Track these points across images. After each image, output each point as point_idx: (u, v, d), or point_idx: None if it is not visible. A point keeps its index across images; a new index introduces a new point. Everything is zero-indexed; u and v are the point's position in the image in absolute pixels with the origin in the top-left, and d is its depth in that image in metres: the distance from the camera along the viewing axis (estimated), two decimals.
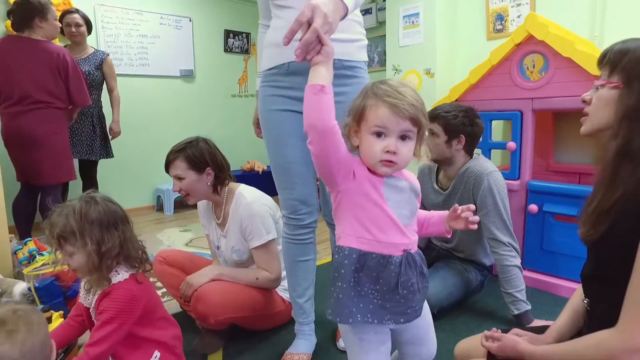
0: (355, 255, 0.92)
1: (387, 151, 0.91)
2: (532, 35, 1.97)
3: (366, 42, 1.45)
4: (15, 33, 2.51)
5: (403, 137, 0.93)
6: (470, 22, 3.31)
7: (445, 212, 1.06)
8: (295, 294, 1.50)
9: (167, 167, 1.62)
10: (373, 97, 0.94)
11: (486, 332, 1.13)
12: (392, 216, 0.94)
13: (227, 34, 4.73)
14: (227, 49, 4.76)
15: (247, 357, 1.55)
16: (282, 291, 1.70)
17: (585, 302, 1.00)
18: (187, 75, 4.46)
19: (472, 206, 1.01)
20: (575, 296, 1.10)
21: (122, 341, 1.07)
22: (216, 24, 4.66)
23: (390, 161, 0.91)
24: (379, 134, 0.92)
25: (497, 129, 2.77)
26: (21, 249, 2.06)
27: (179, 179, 1.59)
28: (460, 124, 1.79)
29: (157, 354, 1.13)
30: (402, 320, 0.95)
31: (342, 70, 1.33)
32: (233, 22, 4.78)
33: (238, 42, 4.83)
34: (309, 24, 0.91)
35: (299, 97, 1.22)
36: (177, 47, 4.40)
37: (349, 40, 1.35)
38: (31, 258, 2.00)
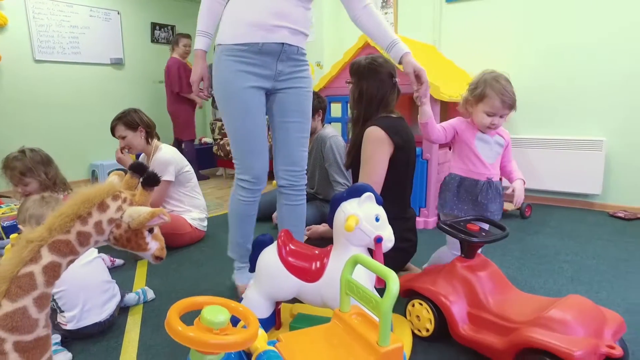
0: (458, 178, 1.62)
1: (492, 124, 1.55)
2: (367, 42, 2.83)
3: None
4: None
5: (501, 116, 1.56)
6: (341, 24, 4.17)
7: (512, 177, 1.66)
8: (243, 241, 1.73)
9: (112, 131, 2.36)
10: (492, 90, 1.51)
11: None
12: (479, 156, 1.59)
13: (154, 26, 5.27)
14: (154, 40, 5.30)
15: (172, 269, 2.29)
16: (190, 220, 2.46)
17: None
18: (117, 63, 4.96)
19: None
20: None
21: None
22: (143, 17, 5.17)
23: (491, 129, 1.58)
24: (489, 114, 1.54)
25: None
26: None
27: (122, 137, 2.34)
28: (318, 104, 2.61)
29: None
30: (484, 216, 1.59)
31: (299, 56, 1.62)
32: (159, 15, 5.31)
33: (164, 33, 5.38)
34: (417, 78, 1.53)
35: (266, 75, 1.55)
36: (107, 38, 4.87)
37: (305, 34, 1.62)
38: None
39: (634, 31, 2.98)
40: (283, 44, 1.53)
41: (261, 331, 0.93)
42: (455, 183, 1.61)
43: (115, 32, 4.94)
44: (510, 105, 1.53)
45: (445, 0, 3.72)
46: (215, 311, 0.83)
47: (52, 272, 0.86)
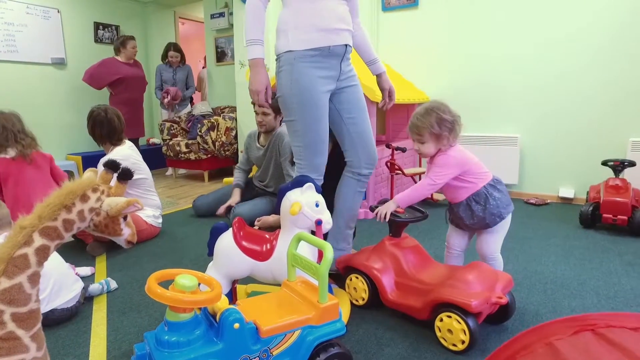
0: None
1: (416, 149, 1.70)
2: None
3: None
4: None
5: (420, 142, 1.66)
6: None
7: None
8: None
9: None
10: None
11: None
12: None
13: (97, 26, 5.21)
14: (98, 40, 5.24)
15: (131, 262, 2.40)
16: (145, 217, 2.58)
17: None
18: (59, 63, 4.86)
19: None
20: None
21: None
22: (85, 16, 5.10)
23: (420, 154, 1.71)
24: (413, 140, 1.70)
25: None
26: None
27: None
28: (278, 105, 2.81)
29: None
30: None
31: (349, 55, 1.74)
32: (102, 15, 5.25)
33: (108, 33, 5.32)
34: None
35: (333, 76, 1.69)
36: (47, 36, 4.75)
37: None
38: None
39: (547, 46, 3.45)
40: (346, 45, 1.68)
41: (224, 296, 1.13)
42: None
43: (56, 31, 4.84)
44: (417, 133, 1.64)
45: (382, 9, 4.06)
46: (187, 278, 1.03)
47: (43, 254, 1.02)
